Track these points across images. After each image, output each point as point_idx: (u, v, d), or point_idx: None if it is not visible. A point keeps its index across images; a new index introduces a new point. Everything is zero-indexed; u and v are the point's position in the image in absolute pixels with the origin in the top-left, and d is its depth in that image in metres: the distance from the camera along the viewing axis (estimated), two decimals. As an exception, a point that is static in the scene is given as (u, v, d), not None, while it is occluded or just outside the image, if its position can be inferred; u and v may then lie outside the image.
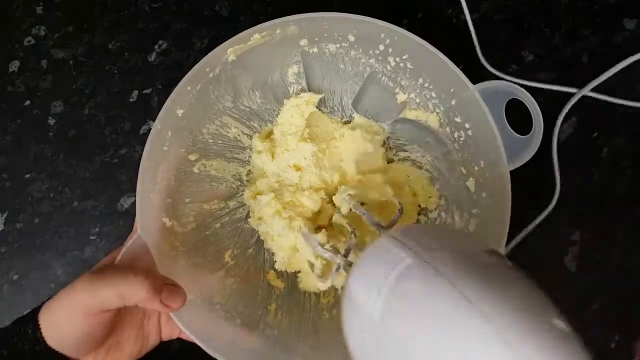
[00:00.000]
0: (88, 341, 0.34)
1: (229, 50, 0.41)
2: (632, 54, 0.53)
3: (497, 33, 0.55)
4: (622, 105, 0.52)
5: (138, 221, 0.38)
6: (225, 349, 0.37)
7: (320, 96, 0.48)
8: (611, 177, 0.51)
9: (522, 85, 0.52)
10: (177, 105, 0.41)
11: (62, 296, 0.33)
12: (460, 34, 0.55)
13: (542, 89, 0.53)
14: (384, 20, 0.40)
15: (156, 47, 0.56)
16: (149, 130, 0.54)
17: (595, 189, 0.51)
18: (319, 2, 0.56)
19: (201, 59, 0.56)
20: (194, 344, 0.37)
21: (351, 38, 0.43)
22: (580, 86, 0.52)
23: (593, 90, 0.52)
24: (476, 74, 0.53)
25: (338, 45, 0.44)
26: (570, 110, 0.52)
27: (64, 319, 0.33)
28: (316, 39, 0.43)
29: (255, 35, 0.41)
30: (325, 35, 0.43)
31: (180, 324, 0.36)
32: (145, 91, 0.55)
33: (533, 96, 0.42)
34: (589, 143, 0.52)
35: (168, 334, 0.40)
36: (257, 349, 0.40)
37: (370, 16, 0.40)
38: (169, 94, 0.55)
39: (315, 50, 0.44)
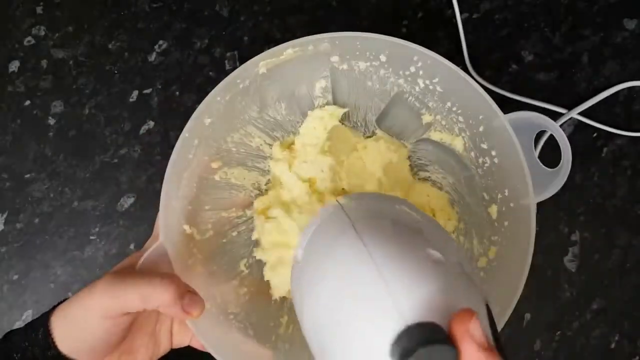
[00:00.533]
0: (102, 346, 0.34)
1: (261, 64, 0.41)
2: (631, 54, 0.53)
3: (497, 33, 0.55)
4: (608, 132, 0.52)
5: (161, 228, 0.37)
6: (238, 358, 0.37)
7: (344, 110, 0.48)
8: (611, 177, 0.51)
9: (513, 99, 0.53)
10: (205, 115, 0.41)
11: (81, 296, 0.33)
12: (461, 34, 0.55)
13: (540, 87, 0.53)
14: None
15: (156, 47, 0.56)
16: (149, 130, 0.55)
17: (595, 189, 0.51)
18: (319, 3, 0.56)
19: (201, 58, 0.56)
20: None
21: (383, 58, 0.43)
22: (579, 89, 0.52)
23: (581, 114, 0.52)
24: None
25: (369, 63, 0.44)
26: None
27: (81, 321, 0.33)
28: (347, 57, 0.43)
29: (287, 51, 0.41)
30: (357, 53, 0.43)
31: (196, 333, 0.36)
32: (145, 91, 0.55)
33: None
34: (589, 143, 0.52)
35: (179, 342, 0.40)
36: None
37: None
38: (169, 94, 0.55)
39: (345, 67, 0.45)
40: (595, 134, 0.52)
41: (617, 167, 0.51)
